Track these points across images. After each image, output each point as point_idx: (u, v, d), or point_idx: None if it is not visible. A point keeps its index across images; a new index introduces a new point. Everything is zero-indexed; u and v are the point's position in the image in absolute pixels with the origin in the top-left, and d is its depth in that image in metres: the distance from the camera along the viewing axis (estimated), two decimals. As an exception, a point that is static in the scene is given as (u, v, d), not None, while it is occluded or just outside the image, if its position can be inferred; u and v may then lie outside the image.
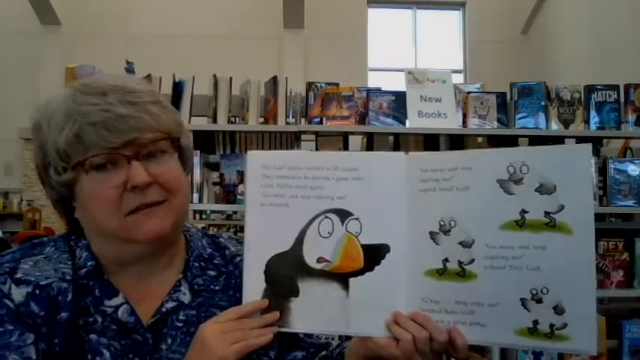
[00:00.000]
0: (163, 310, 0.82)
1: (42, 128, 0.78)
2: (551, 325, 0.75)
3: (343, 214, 0.81)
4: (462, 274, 0.78)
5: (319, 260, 0.81)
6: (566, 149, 0.80)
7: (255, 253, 0.82)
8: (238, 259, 0.91)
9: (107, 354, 0.78)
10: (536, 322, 0.76)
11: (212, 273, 0.89)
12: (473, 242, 0.78)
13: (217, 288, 0.88)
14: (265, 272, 0.81)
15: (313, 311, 0.81)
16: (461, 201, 0.79)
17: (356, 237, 0.80)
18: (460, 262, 0.78)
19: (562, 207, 0.75)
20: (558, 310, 0.75)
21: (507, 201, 0.77)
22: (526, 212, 0.76)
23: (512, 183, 0.77)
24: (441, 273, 0.79)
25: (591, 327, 0.74)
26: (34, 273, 0.78)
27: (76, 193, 0.78)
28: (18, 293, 0.76)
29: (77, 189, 0.78)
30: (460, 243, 0.78)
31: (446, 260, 0.79)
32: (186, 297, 0.84)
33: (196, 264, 0.88)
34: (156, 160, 0.78)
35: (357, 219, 0.80)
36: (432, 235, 0.80)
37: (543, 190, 0.76)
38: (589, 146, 0.77)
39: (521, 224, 0.77)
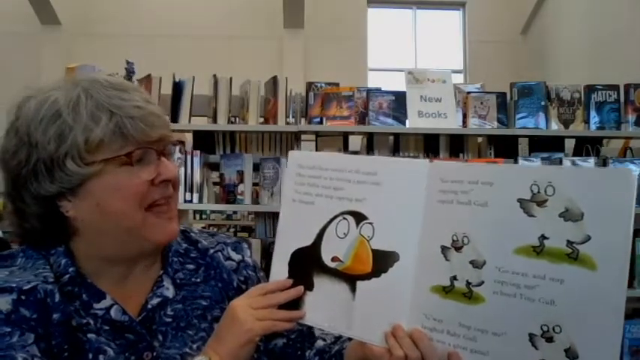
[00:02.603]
0: (149, 306, 0.82)
1: (61, 116, 0.74)
2: None
3: (359, 217, 0.82)
4: (469, 296, 0.73)
5: (333, 259, 0.83)
6: (601, 172, 0.72)
7: (283, 245, 0.87)
8: (212, 251, 0.93)
9: (111, 351, 0.78)
10: None
11: (190, 266, 0.90)
12: (484, 263, 0.73)
13: (199, 280, 0.89)
14: (289, 263, 0.86)
15: (322, 307, 0.83)
16: (477, 217, 0.73)
17: (368, 241, 0.81)
18: (468, 283, 0.73)
19: (588, 237, 0.66)
20: (570, 354, 0.66)
21: (526, 223, 0.70)
22: (546, 238, 0.69)
23: (535, 204, 0.70)
24: (448, 291, 0.75)
25: None
26: (13, 279, 0.75)
27: (86, 187, 0.75)
28: (3, 302, 0.73)
29: (92, 183, 0.75)
30: (471, 262, 0.74)
31: (454, 278, 0.74)
32: (169, 291, 0.85)
33: (175, 259, 0.89)
34: (169, 158, 0.83)
35: (370, 223, 0.81)
36: (444, 250, 0.76)
37: (568, 216, 0.68)
38: (629, 171, 0.67)
39: (538, 251, 0.69)
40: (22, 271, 0.78)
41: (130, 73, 2.96)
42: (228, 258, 0.94)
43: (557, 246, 0.68)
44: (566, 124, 2.81)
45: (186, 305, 0.86)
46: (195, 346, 0.83)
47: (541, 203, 0.70)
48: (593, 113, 2.82)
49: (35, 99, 0.77)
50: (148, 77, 2.87)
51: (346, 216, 0.83)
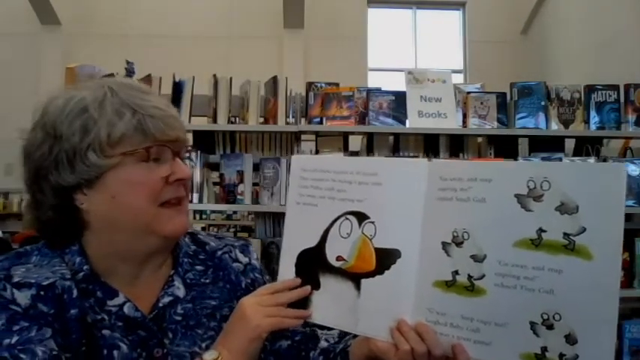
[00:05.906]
0: (160, 305, 0.85)
1: (88, 111, 0.79)
2: (561, 355, 0.70)
3: (361, 217, 0.84)
4: (471, 289, 0.76)
5: (338, 258, 0.85)
6: (594, 168, 0.73)
7: (290, 247, 0.90)
8: (220, 253, 0.96)
9: (124, 347, 0.80)
10: (544, 349, 0.71)
11: (200, 267, 0.93)
12: (485, 257, 0.75)
13: (207, 281, 0.92)
14: (296, 264, 0.88)
15: (329, 306, 0.85)
16: (476, 213, 0.76)
17: (370, 240, 0.83)
18: (470, 277, 0.76)
19: (583, 229, 0.70)
20: (570, 339, 0.69)
21: (524, 218, 0.73)
22: (543, 231, 0.72)
23: (531, 199, 0.73)
24: (450, 285, 0.77)
25: None
26: (31, 275, 0.78)
27: (103, 180, 0.79)
28: (22, 297, 0.75)
29: (109, 176, 0.79)
30: (472, 256, 0.76)
31: (456, 273, 0.77)
32: (180, 291, 0.87)
33: (185, 259, 0.91)
34: (183, 160, 0.86)
35: (372, 222, 0.83)
36: (445, 246, 0.78)
37: (564, 209, 0.71)
38: (622, 166, 0.70)
39: (537, 244, 0.72)
40: (39, 268, 0.80)
41: (130, 73, 2.96)
42: (236, 260, 0.97)
43: (555, 238, 0.71)
44: (566, 124, 2.81)
45: (196, 305, 0.88)
46: (204, 344, 0.85)
47: (537, 198, 0.73)
48: (593, 113, 2.82)
49: (62, 98, 0.82)
50: (148, 77, 2.87)
51: (349, 216, 0.85)
